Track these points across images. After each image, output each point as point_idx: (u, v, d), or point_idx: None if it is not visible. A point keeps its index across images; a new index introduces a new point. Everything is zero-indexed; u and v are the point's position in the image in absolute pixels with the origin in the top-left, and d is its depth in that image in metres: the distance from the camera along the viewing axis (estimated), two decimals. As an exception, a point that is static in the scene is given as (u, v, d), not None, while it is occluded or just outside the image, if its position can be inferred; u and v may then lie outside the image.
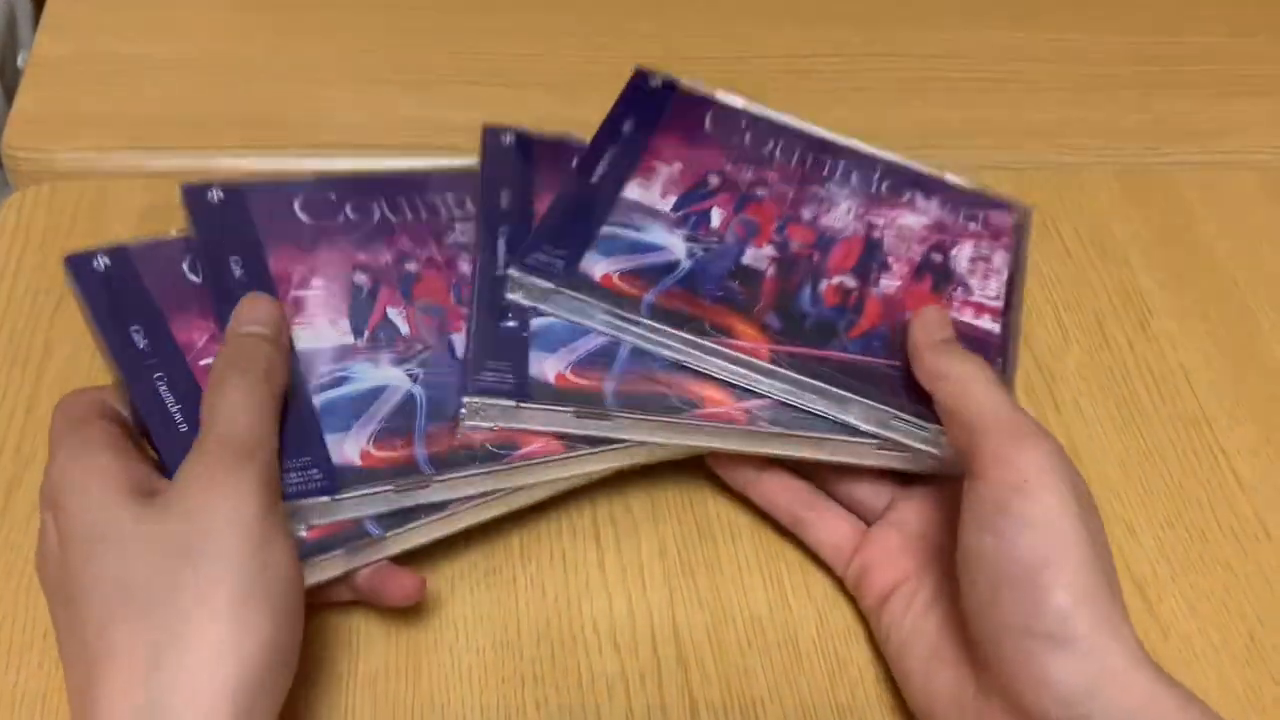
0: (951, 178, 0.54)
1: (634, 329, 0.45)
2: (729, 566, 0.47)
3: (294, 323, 0.45)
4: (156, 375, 0.43)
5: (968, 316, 0.48)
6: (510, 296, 0.46)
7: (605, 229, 0.48)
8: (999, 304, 0.49)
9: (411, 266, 0.48)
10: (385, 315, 0.47)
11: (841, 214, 0.51)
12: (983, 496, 0.39)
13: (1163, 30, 0.73)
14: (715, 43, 0.69)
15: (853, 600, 0.46)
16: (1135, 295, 0.58)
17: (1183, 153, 0.66)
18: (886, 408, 0.44)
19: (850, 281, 0.48)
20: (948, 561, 0.42)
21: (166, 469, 0.41)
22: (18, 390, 0.49)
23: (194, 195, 0.48)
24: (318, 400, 0.44)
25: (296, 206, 0.49)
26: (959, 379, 0.42)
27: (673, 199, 0.49)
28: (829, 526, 0.46)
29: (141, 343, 0.44)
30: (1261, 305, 0.58)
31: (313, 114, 0.62)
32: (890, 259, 0.50)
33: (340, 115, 0.62)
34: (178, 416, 0.42)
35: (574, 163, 0.50)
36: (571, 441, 0.44)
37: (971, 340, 0.47)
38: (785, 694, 0.43)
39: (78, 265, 0.45)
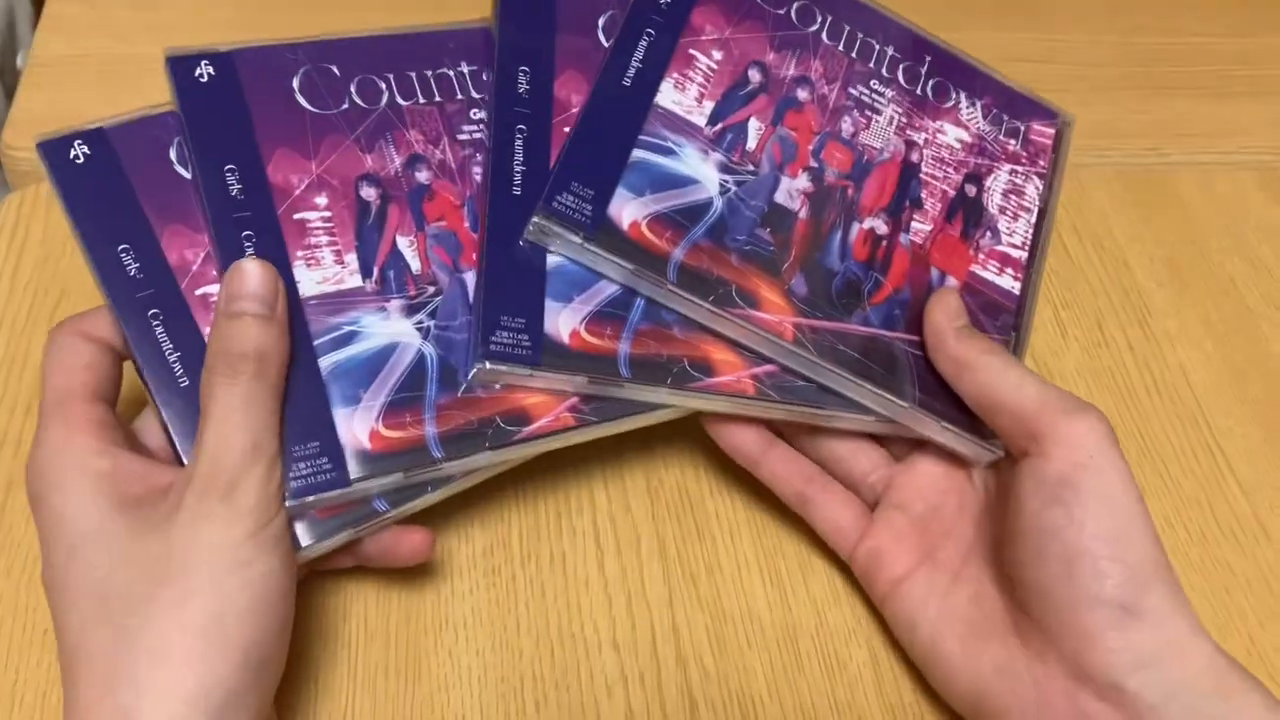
0: (999, 76, 0.52)
1: (659, 291, 0.43)
2: (728, 566, 0.47)
3: (295, 255, 0.42)
4: (152, 313, 0.40)
5: (991, 272, 0.48)
6: (528, 237, 0.43)
7: (637, 153, 0.44)
8: (1024, 254, 0.48)
9: (422, 175, 0.44)
10: (394, 246, 0.43)
11: (883, 127, 0.48)
12: (1047, 474, 0.39)
13: (1163, 30, 0.73)
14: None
15: (852, 600, 0.46)
16: (1135, 295, 0.58)
17: (1182, 153, 0.66)
18: (900, 401, 0.44)
19: (881, 226, 0.47)
20: (961, 540, 0.44)
21: (168, 429, 0.40)
22: (17, 390, 0.49)
23: (181, 71, 0.43)
24: (325, 365, 0.41)
25: (295, 86, 0.44)
26: (987, 368, 0.42)
27: (709, 106, 0.46)
28: (834, 507, 0.46)
29: (132, 267, 0.40)
30: (1261, 305, 0.58)
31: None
32: (924, 194, 0.48)
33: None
34: (177, 368, 0.40)
35: (604, 54, 0.45)
36: (580, 413, 0.42)
37: (989, 305, 0.47)
38: (784, 693, 0.43)
39: (53, 154, 0.42)
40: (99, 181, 0.41)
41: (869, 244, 0.46)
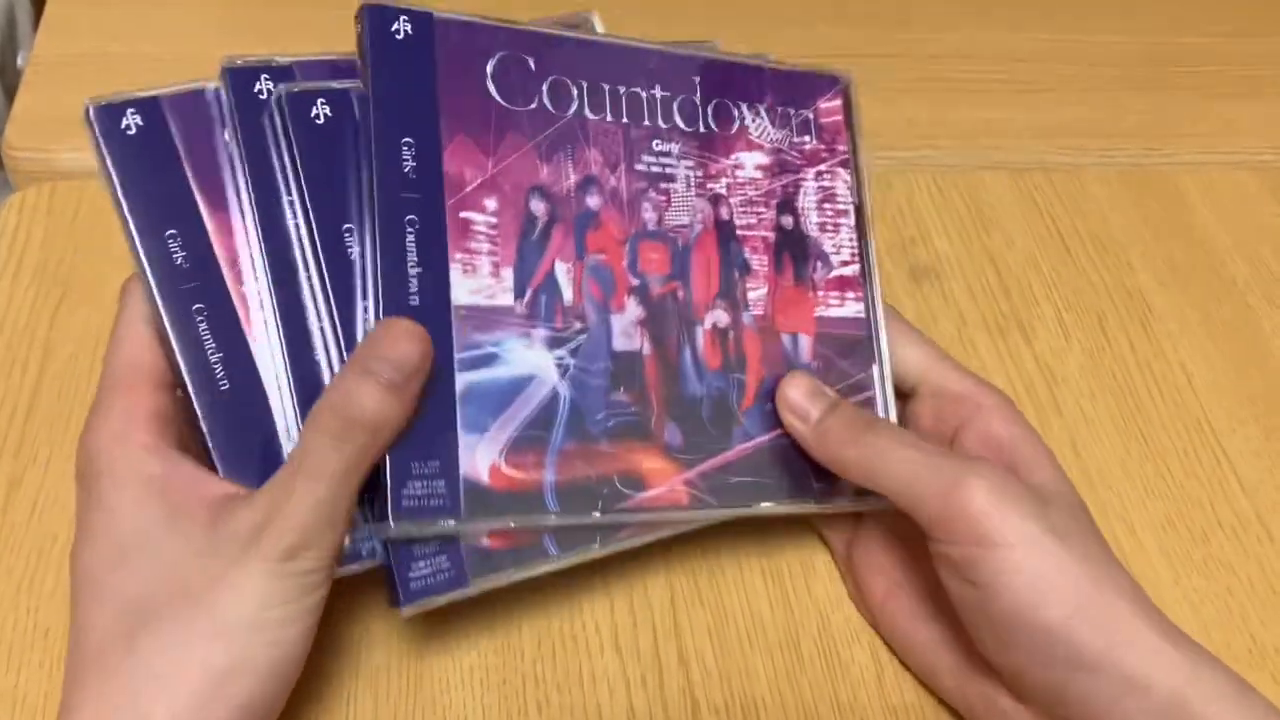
0: (768, 61, 0.48)
1: (545, 524, 0.40)
2: (730, 566, 0.47)
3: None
4: (196, 307, 0.38)
5: (833, 307, 0.46)
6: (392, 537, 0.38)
7: (460, 380, 0.39)
8: (855, 267, 0.47)
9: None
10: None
11: (683, 194, 0.44)
12: (949, 555, 0.38)
13: (1163, 30, 0.73)
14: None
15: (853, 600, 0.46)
16: (1136, 295, 0.58)
17: (1183, 153, 0.66)
18: (805, 502, 0.44)
19: (722, 318, 0.44)
20: (928, 574, 0.42)
21: (201, 435, 0.38)
22: (18, 391, 0.49)
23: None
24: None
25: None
26: (858, 462, 0.41)
27: (509, 275, 0.40)
28: (832, 523, 0.47)
29: (179, 255, 0.38)
30: (1262, 305, 0.58)
31: None
32: (747, 252, 0.45)
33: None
34: (218, 370, 0.38)
35: (369, 268, 0.38)
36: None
37: (844, 345, 0.46)
38: (786, 694, 0.43)
39: (104, 121, 0.39)
40: (151, 156, 0.39)
41: (717, 344, 0.44)
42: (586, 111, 0.43)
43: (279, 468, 0.37)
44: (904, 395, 0.46)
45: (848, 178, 0.48)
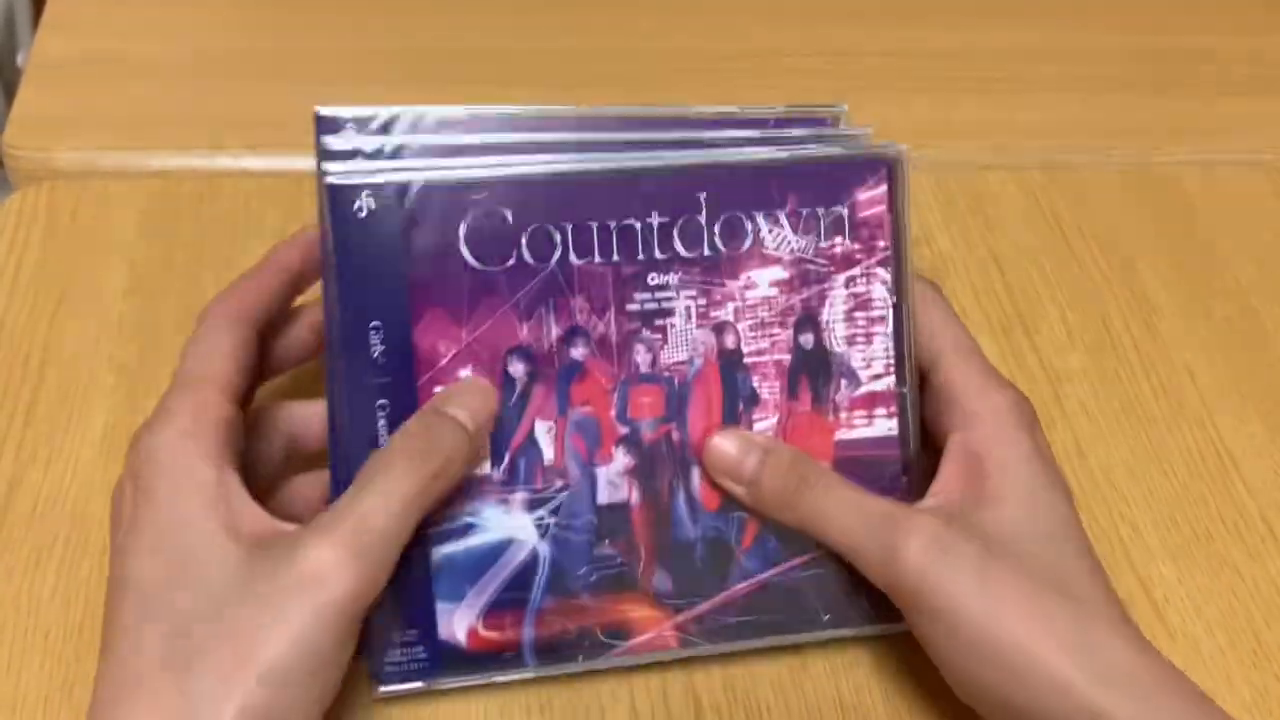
0: (803, 150, 0.42)
1: (528, 677, 0.41)
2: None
3: None
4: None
5: (859, 429, 0.42)
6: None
7: (436, 553, 0.39)
8: (890, 376, 0.42)
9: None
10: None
11: (682, 328, 0.41)
12: (915, 624, 0.39)
13: (1163, 30, 0.73)
14: (715, 42, 0.69)
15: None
16: (1140, 295, 0.58)
17: (1184, 152, 0.66)
18: (815, 633, 0.43)
19: None
20: None
21: (335, 480, 0.39)
22: (18, 391, 0.49)
23: (339, 202, 0.38)
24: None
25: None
26: (799, 525, 0.41)
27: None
28: None
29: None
30: (1266, 305, 0.58)
31: (312, 114, 0.62)
32: (756, 380, 0.41)
33: (341, 115, 0.62)
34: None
35: (344, 450, 0.39)
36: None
37: (870, 466, 0.42)
38: (790, 695, 0.43)
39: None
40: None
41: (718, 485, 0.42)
42: (571, 257, 0.40)
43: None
44: (923, 377, 0.44)
45: (887, 277, 0.42)
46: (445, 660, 0.40)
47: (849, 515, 0.40)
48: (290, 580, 0.34)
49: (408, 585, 0.39)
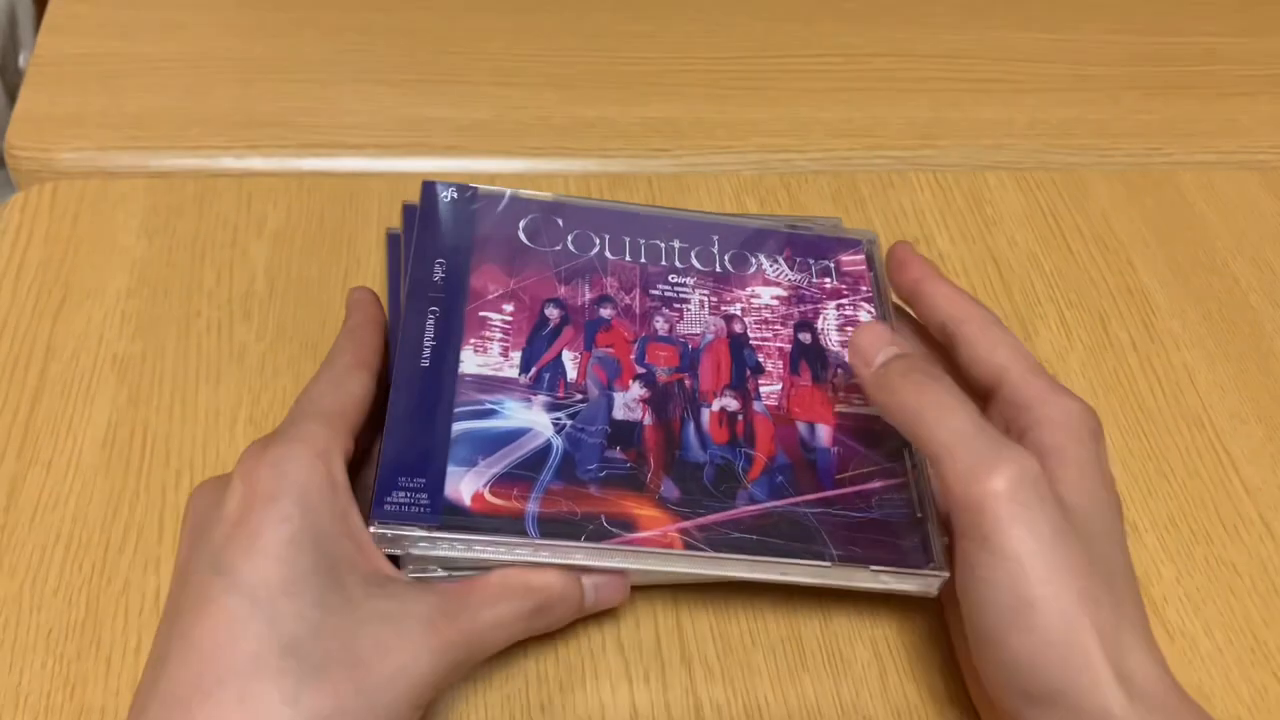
0: (788, 225, 0.51)
1: (525, 552, 0.40)
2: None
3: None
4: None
5: (858, 405, 0.46)
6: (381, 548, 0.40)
7: (457, 427, 0.42)
8: None
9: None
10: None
11: (695, 312, 0.47)
12: (958, 546, 0.38)
13: (1163, 30, 0.73)
14: (715, 42, 0.69)
15: (856, 598, 0.46)
16: (1138, 295, 0.58)
17: (1184, 153, 0.66)
18: (820, 563, 0.41)
19: (731, 403, 0.45)
20: None
21: (390, 390, 0.42)
22: (19, 391, 0.49)
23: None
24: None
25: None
26: (901, 410, 0.40)
27: (517, 356, 0.44)
28: None
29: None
30: (1264, 305, 0.58)
31: (313, 114, 0.62)
32: (761, 357, 0.46)
33: (340, 115, 0.62)
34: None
35: (398, 343, 0.44)
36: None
37: (870, 435, 0.45)
38: (789, 692, 0.43)
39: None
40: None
41: (725, 424, 0.44)
42: (607, 253, 0.48)
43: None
44: (986, 396, 0.44)
45: (872, 310, 0.49)
46: (446, 513, 0.40)
47: (958, 418, 0.38)
48: (414, 621, 0.36)
49: (424, 446, 0.41)
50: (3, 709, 0.41)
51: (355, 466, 0.40)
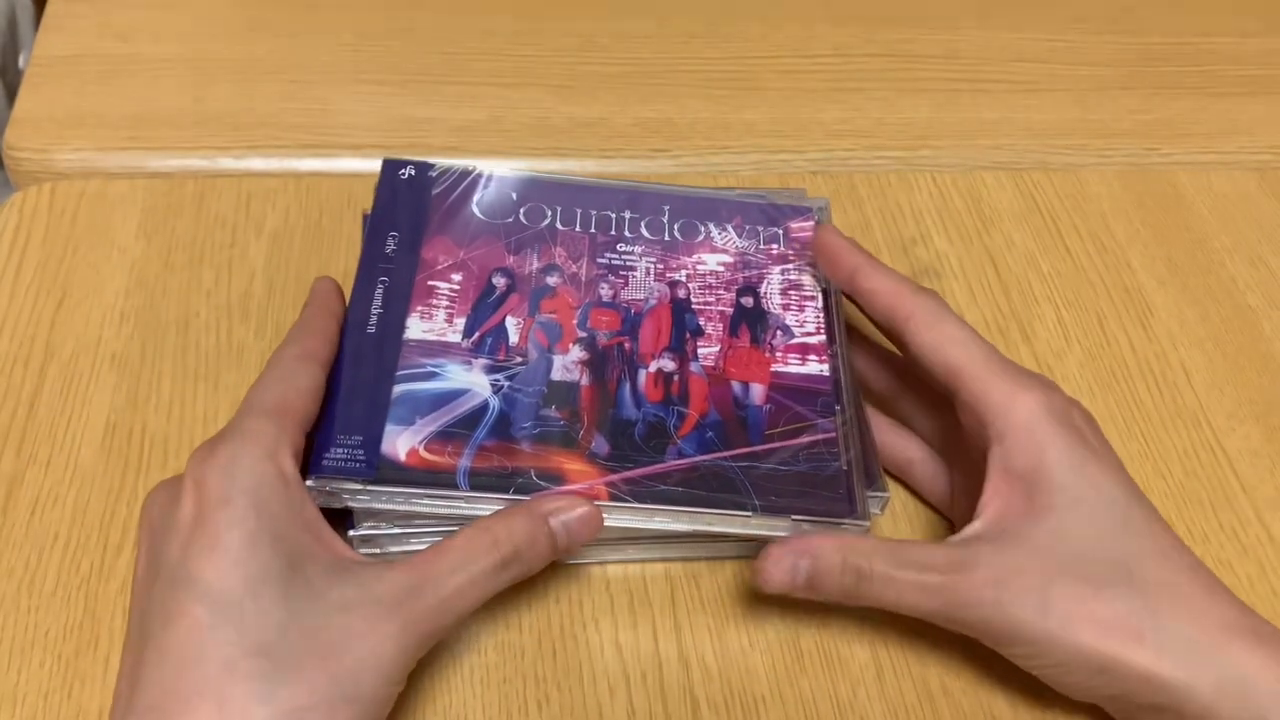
0: (741, 193, 0.52)
1: (457, 504, 0.42)
2: (730, 564, 0.47)
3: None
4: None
5: (794, 365, 0.47)
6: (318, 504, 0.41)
7: (398, 389, 0.44)
8: (822, 337, 0.48)
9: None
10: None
11: (641, 279, 0.49)
12: (992, 645, 0.41)
13: (1163, 30, 0.73)
14: (714, 42, 0.69)
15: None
16: (1136, 295, 0.58)
17: (1183, 153, 0.66)
18: (742, 513, 0.42)
19: (668, 364, 0.46)
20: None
21: (339, 358, 0.43)
22: (19, 390, 0.49)
23: (388, 168, 0.50)
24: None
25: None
26: (869, 598, 0.41)
27: (461, 322, 0.46)
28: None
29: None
30: (1262, 305, 0.58)
31: (313, 114, 0.62)
32: (702, 320, 0.48)
33: (340, 115, 0.62)
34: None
35: (348, 308, 0.46)
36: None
37: (802, 393, 0.46)
38: (786, 692, 0.43)
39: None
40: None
41: (660, 384, 0.46)
42: (558, 224, 0.50)
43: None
44: (946, 398, 0.44)
45: (815, 275, 0.50)
46: (382, 470, 0.41)
47: (909, 591, 0.40)
48: (377, 604, 0.36)
49: (365, 406, 0.43)
50: (2, 707, 0.41)
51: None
